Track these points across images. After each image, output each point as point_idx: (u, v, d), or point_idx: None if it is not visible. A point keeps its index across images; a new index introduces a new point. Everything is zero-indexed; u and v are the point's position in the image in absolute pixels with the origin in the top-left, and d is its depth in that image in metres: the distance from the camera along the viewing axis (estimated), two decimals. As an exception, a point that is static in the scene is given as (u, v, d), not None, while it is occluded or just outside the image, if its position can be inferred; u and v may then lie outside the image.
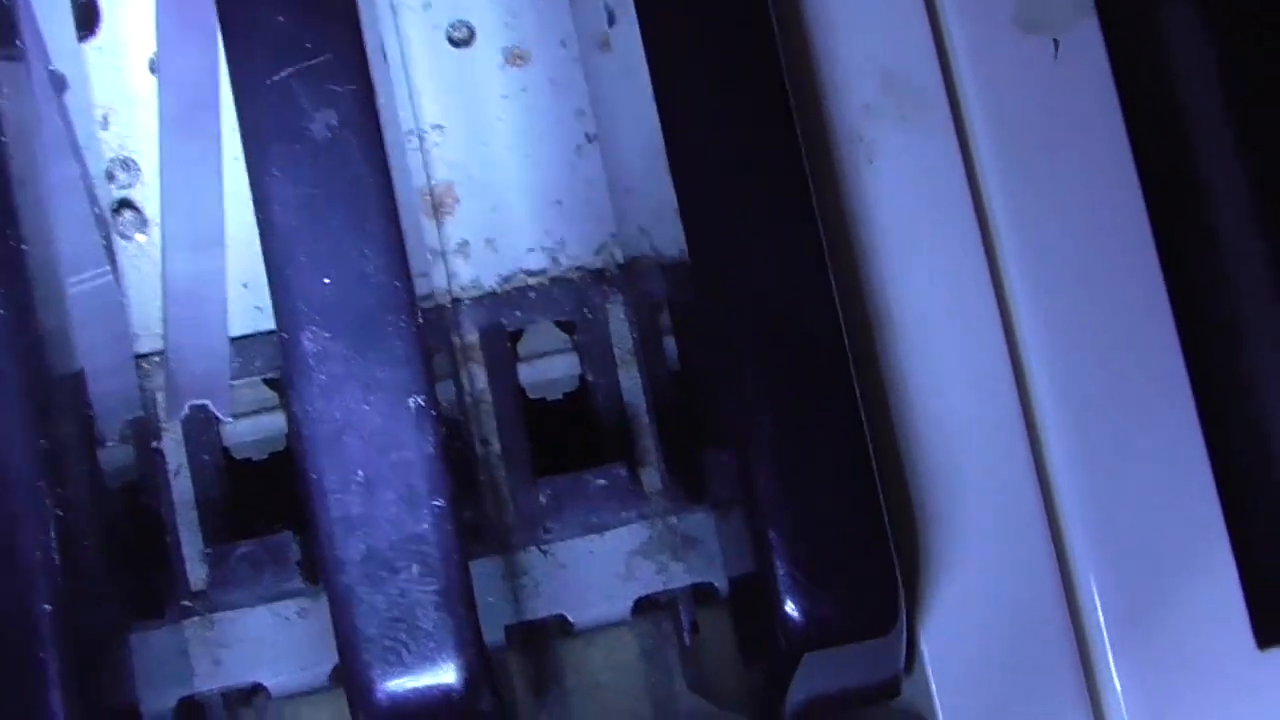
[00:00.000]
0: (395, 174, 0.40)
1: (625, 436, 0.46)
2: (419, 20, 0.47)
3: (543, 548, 0.45)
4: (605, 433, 0.46)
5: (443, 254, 0.47)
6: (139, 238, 0.46)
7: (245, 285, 0.45)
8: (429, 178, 0.47)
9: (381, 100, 0.40)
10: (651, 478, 0.46)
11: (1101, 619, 0.43)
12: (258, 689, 0.45)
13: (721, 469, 0.41)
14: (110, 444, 0.44)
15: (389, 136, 0.41)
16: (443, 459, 0.38)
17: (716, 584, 0.45)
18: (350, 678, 0.38)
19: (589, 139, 0.47)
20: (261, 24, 0.39)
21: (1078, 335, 0.44)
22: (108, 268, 0.45)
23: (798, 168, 0.40)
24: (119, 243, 0.46)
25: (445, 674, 0.37)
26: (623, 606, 0.45)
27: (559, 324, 0.47)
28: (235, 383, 0.45)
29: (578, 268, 0.47)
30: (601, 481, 0.44)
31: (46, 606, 0.37)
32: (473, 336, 0.46)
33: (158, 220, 0.46)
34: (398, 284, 0.38)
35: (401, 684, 0.37)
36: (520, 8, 0.47)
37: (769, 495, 0.39)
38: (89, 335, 0.43)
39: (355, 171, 0.38)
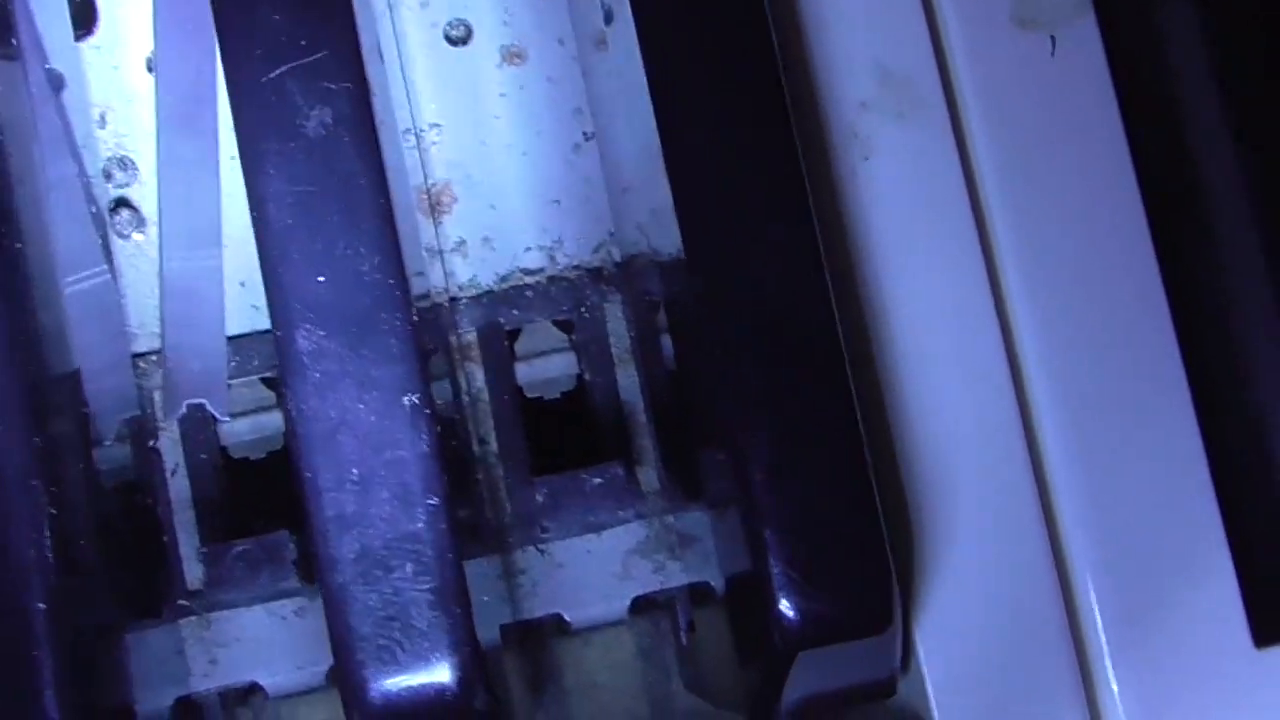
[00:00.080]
0: (391, 172, 0.40)
1: (623, 436, 0.46)
2: (416, 18, 0.47)
3: (540, 547, 0.45)
4: (603, 432, 0.46)
5: (440, 253, 0.47)
6: (136, 236, 0.46)
7: (243, 284, 0.45)
8: (426, 176, 0.47)
9: (377, 98, 0.40)
10: (649, 477, 0.46)
11: (1098, 617, 0.43)
12: (254, 688, 0.45)
13: (717, 468, 0.41)
14: (107, 443, 0.44)
15: (385, 135, 0.41)
16: (437, 457, 0.38)
17: (713, 583, 0.45)
18: (344, 676, 0.38)
19: (587, 137, 0.47)
20: (257, 21, 0.39)
21: (1075, 332, 0.43)
22: (105, 266, 0.45)
23: (794, 166, 0.40)
24: (116, 241, 0.46)
25: (439, 673, 0.37)
26: (620, 606, 0.45)
27: (557, 323, 0.47)
28: (233, 382, 0.45)
29: (575, 266, 0.47)
30: (598, 480, 0.44)
31: (40, 605, 0.37)
32: (470, 335, 0.46)
33: (155, 219, 0.46)
34: (392, 282, 0.38)
35: (395, 683, 0.37)
36: (518, 6, 0.47)
37: (764, 494, 0.38)
38: (86, 334, 0.43)
39: (350, 169, 0.38)
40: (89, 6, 0.46)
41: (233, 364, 0.45)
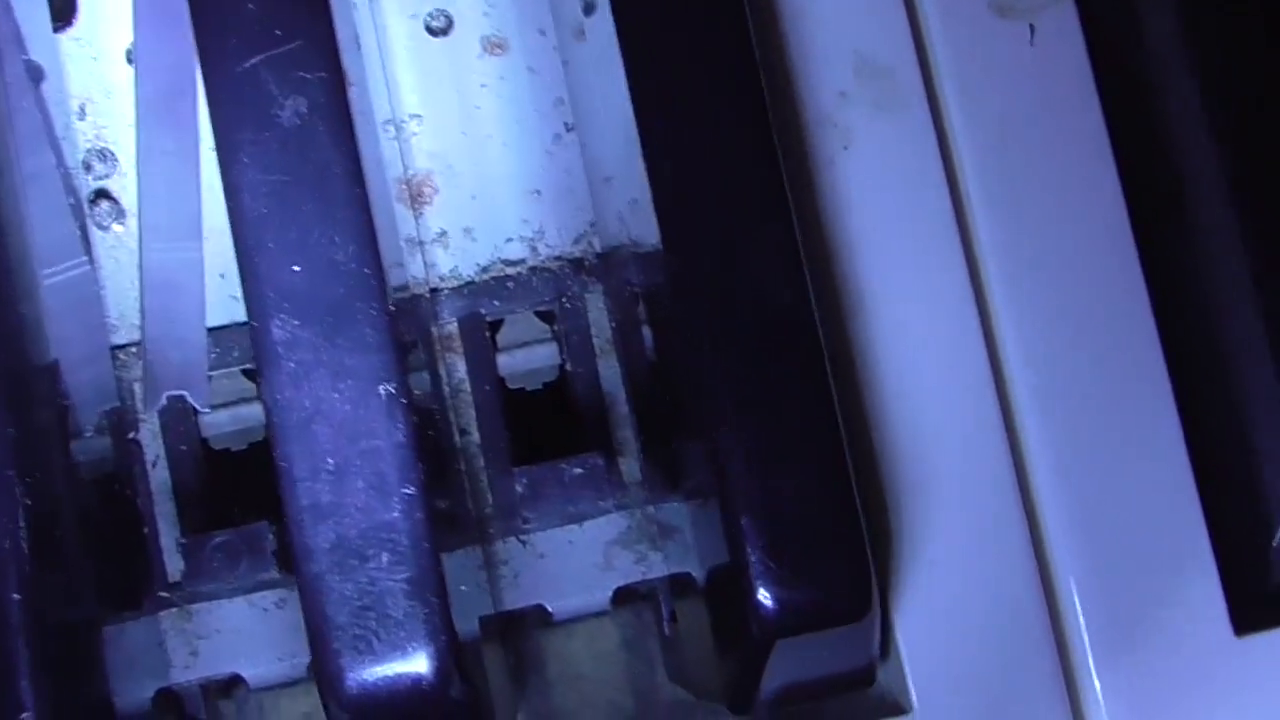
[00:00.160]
0: (369, 162, 0.40)
1: (604, 426, 0.46)
2: (397, 9, 0.47)
3: (521, 538, 0.45)
4: (584, 423, 0.46)
5: (421, 243, 0.46)
6: (116, 228, 0.46)
7: (223, 276, 0.45)
8: (407, 167, 0.47)
9: (355, 88, 0.40)
10: (631, 467, 0.46)
11: (1078, 605, 0.43)
12: (236, 680, 0.45)
13: (696, 459, 0.41)
14: (87, 434, 0.44)
15: (363, 125, 0.40)
16: (413, 446, 0.38)
17: (694, 574, 0.44)
18: (320, 666, 0.37)
19: (568, 128, 0.47)
20: (231, 10, 0.39)
21: (1055, 323, 0.43)
22: (84, 258, 0.45)
23: (772, 156, 0.40)
24: (96, 233, 0.46)
25: (415, 662, 0.37)
26: (602, 597, 0.45)
27: (538, 314, 0.47)
28: (213, 373, 0.45)
29: (557, 257, 0.47)
30: (578, 470, 0.44)
31: (15, 595, 0.37)
32: (451, 326, 0.46)
33: (135, 211, 0.46)
34: (368, 271, 0.38)
35: (371, 672, 0.37)
36: (498, -4, 0.47)
37: (741, 483, 0.38)
38: (65, 326, 0.43)
39: (325, 158, 0.38)
40: (68, -2, 0.46)
41: (213, 355, 0.45)
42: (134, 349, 0.45)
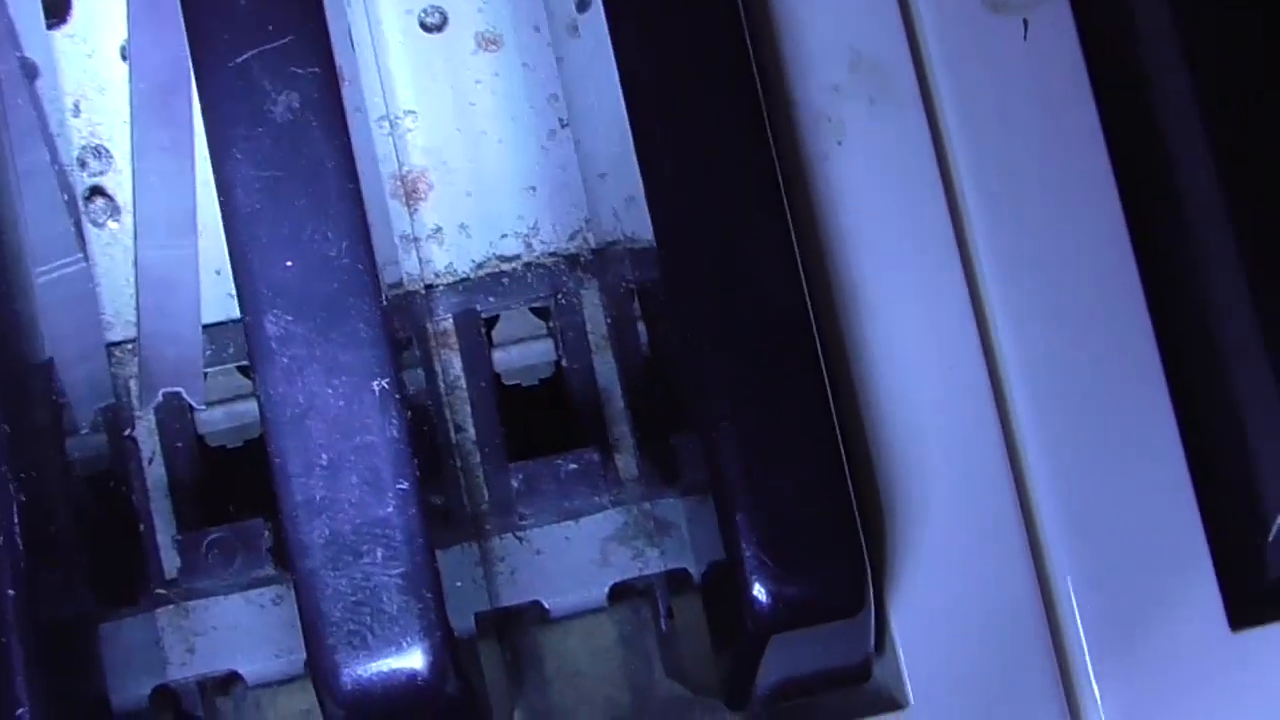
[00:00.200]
0: (361, 158, 0.40)
1: (600, 422, 0.46)
2: (391, 5, 0.47)
3: (518, 534, 0.45)
4: (580, 419, 0.46)
5: (416, 240, 0.46)
6: (111, 225, 0.46)
7: (218, 272, 0.45)
8: (401, 164, 0.47)
9: (349, 84, 0.40)
10: (627, 463, 0.46)
11: (1074, 599, 0.43)
12: (233, 677, 0.45)
13: (691, 454, 0.41)
14: (83, 431, 0.44)
15: (357, 121, 0.40)
16: (407, 442, 0.38)
17: (691, 570, 0.44)
18: (315, 662, 0.37)
19: (562, 124, 0.47)
20: (224, 5, 0.39)
21: (1049, 317, 0.43)
22: (79, 255, 0.45)
23: (766, 151, 0.40)
24: (91, 230, 0.46)
25: (410, 658, 0.37)
26: (599, 593, 0.45)
27: (534, 310, 0.47)
28: (209, 370, 0.45)
29: (552, 253, 0.47)
30: (574, 466, 0.44)
31: (11, 592, 0.37)
32: (447, 322, 0.46)
33: (130, 207, 0.46)
34: (361, 266, 0.38)
35: (366, 668, 0.37)
36: (493, -8, 0.47)
37: (736, 479, 0.38)
38: (60, 323, 0.43)
39: (317, 153, 0.38)
40: (62, -5, 0.46)
41: (208, 352, 0.45)
42: (129, 346, 0.45)
